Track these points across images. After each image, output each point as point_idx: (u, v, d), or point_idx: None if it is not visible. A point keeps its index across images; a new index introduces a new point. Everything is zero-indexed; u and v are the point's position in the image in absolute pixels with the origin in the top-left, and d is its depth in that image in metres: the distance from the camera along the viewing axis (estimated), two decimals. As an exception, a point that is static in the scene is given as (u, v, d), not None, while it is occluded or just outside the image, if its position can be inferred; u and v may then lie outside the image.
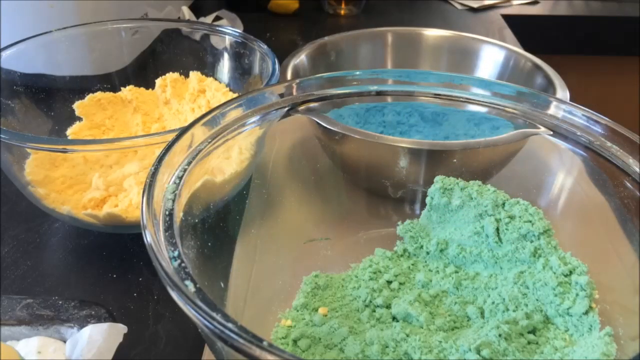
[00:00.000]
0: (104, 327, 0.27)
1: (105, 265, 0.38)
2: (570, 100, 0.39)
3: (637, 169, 0.28)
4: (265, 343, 0.18)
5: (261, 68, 0.46)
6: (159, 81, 0.49)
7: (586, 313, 0.29)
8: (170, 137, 0.28)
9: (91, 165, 0.39)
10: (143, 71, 0.52)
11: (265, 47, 0.46)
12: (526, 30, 0.92)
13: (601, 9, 1.00)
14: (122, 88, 0.50)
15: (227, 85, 0.49)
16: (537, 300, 0.30)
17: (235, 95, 0.47)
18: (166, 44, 0.52)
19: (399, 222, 0.36)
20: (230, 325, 0.18)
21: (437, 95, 0.36)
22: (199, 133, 0.29)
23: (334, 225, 0.39)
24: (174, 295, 0.20)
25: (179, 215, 0.25)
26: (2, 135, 0.33)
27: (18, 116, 0.44)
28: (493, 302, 0.31)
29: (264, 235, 0.36)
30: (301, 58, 0.50)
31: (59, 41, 0.48)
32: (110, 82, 0.51)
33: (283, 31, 0.86)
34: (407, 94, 0.36)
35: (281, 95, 0.33)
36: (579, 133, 0.30)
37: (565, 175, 0.35)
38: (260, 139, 0.38)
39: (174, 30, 0.52)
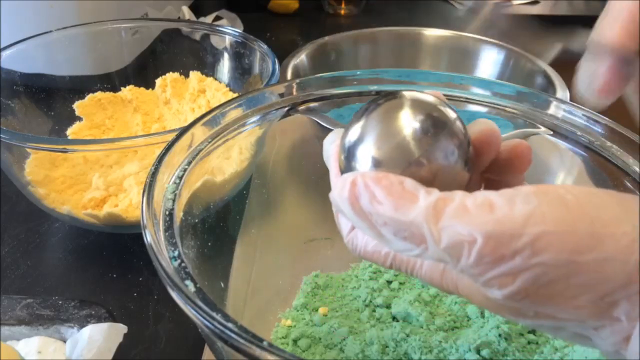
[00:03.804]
0: (104, 327, 0.27)
1: (105, 265, 0.38)
2: (570, 100, 0.39)
3: (637, 169, 0.27)
4: (265, 343, 0.17)
5: (261, 68, 0.46)
6: (159, 81, 0.49)
7: (586, 313, 0.29)
8: (170, 137, 0.28)
9: (91, 165, 0.39)
10: (143, 71, 0.52)
11: (265, 47, 0.46)
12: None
13: (601, 8, 1.00)
14: (122, 88, 0.50)
15: (227, 85, 0.49)
16: (537, 300, 0.30)
17: (235, 95, 0.47)
18: (166, 44, 0.52)
19: (399, 222, 0.36)
20: (230, 325, 0.18)
21: (437, 95, 0.36)
22: (199, 133, 0.29)
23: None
24: (174, 295, 0.20)
25: (179, 215, 0.25)
26: (2, 135, 0.33)
27: (18, 116, 0.44)
28: (493, 302, 0.31)
29: (264, 235, 0.36)
30: (301, 58, 0.50)
31: (59, 41, 0.48)
32: (110, 82, 0.51)
33: (283, 31, 0.86)
34: (407, 94, 0.36)
35: (281, 95, 0.33)
36: (579, 133, 0.30)
37: (565, 175, 0.35)
38: (260, 139, 0.38)
39: (174, 30, 0.52)
